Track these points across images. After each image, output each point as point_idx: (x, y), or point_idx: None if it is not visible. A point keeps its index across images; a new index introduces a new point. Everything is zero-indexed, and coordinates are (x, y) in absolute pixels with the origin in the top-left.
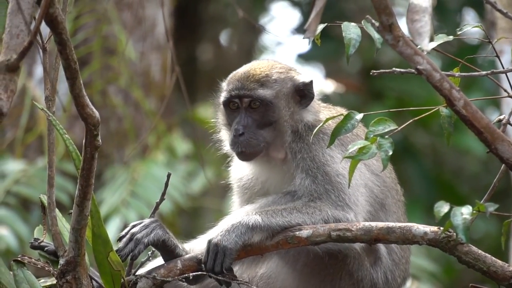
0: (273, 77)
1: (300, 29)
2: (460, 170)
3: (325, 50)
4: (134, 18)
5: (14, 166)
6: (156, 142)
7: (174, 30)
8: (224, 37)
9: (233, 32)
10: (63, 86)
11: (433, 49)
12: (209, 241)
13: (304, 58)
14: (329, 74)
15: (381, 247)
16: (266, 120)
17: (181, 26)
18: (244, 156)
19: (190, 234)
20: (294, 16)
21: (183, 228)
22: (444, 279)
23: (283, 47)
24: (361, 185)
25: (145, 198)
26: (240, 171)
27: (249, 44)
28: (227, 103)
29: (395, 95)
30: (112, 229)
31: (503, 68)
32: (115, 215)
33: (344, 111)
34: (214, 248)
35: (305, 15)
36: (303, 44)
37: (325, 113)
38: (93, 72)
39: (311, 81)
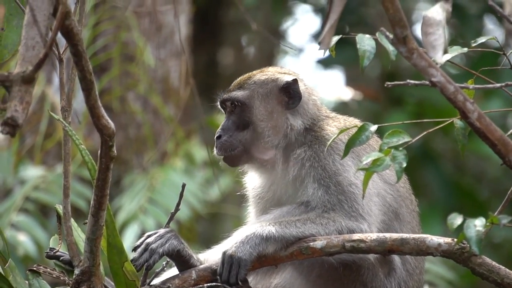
0: (253, 79)
1: (319, 36)
2: (481, 174)
3: (345, 56)
4: (153, 25)
5: (33, 172)
6: (174, 148)
7: (194, 35)
8: (245, 42)
9: (253, 37)
10: (80, 94)
11: (448, 61)
12: (224, 253)
13: (324, 64)
14: (349, 80)
15: (395, 257)
16: (243, 121)
17: (202, 31)
18: (226, 161)
19: (208, 240)
20: (315, 21)
21: (201, 234)
22: (461, 286)
23: (303, 52)
24: (374, 194)
25: (163, 205)
26: (254, 181)
27: (270, 48)
28: (222, 110)
29: (415, 101)
30: (130, 236)
31: None
32: (133, 222)
33: (353, 121)
34: (229, 260)
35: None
36: (320, 53)
37: (329, 122)
38: (112, 79)
39: (295, 80)
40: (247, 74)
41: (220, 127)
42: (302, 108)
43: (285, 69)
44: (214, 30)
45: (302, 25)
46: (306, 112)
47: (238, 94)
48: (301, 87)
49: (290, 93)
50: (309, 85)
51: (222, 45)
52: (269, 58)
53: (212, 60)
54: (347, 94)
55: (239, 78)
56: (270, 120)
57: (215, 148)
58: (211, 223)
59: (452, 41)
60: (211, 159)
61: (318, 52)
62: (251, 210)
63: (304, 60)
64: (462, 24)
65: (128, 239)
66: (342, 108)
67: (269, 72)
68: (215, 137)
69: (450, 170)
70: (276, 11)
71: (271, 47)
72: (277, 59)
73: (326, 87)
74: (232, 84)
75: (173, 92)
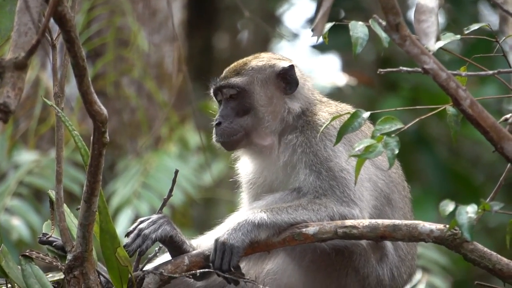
0: (250, 65)
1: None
2: (476, 159)
3: (340, 41)
4: (147, 10)
5: (27, 157)
6: (168, 133)
7: (190, 20)
8: (240, 27)
9: (249, 22)
10: (74, 79)
11: (441, 48)
12: (216, 240)
13: (319, 49)
14: (345, 65)
15: (388, 243)
16: (243, 107)
17: (197, 16)
18: (225, 146)
19: (202, 225)
20: (311, 5)
21: (195, 219)
22: (454, 271)
23: (298, 37)
24: (365, 180)
25: (157, 189)
26: (246, 166)
27: (265, 33)
28: (214, 97)
29: (410, 86)
30: (123, 221)
31: (510, 66)
32: (127, 207)
33: (345, 107)
34: (221, 247)
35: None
36: (313, 39)
37: (322, 108)
38: (107, 64)
39: (291, 66)
40: (241, 61)
41: (218, 114)
42: (299, 93)
43: (279, 55)
44: (210, 15)
45: (297, 10)
46: (302, 97)
47: (238, 80)
48: (297, 73)
49: (286, 79)
50: (303, 70)
51: (217, 30)
52: (264, 42)
53: (207, 44)
54: (342, 79)
55: (233, 65)
56: (270, 105)
57: (214, 135)
58: (206, 208)
59: (447, 26)
60: (203, 145)
61: (312, 38)
62: (243, 196)
63: (300, 45)
64: (457, 9)
65: (122, 224)
66: (337, 93)
67: (265, 58)
68: (215, 124)
69: (445, 155)
70: None
71: (267, 32)
72: (272, 44)
73: (322, 72)
74: (227, 71)
75: (168, 77)
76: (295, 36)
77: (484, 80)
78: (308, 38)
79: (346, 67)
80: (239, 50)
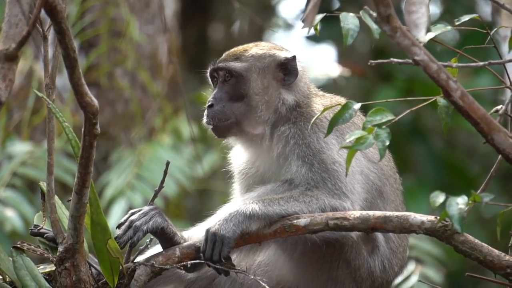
0: (249, 52)
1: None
2: (471, 150)
3: (335, 32)
4: (141, 1)
5: (20, 147)
6: (162, 124)
7: (185, 10)
8: (235, 17)
9: (244, 12)
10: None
11: (432, 39)
12: (207, 230)
13: (314, 39)
14: (341, 55)
15: (379, 235)
16: (237, 93)
17: (192, 6)
18: (215, 131)
19: (196, 216)
20: None
21: (189, 210)
22: (448, 262)
23: (293, 27)
24: (357, 172)
25: (150, 181)
26: (238, 157)
27: (260, 24)
28: (210, 79)
29: (404, 77)
30: (117, 212)
31: (501, 57)
32: (121, 198)
33: (339, 99)
34: (212, 237)
35: None
36: (304, 31)
37: (316, 100)
38: (100, 55)
39: (294, 57)
40: (241, 47)
41: (212, 96)
42: (296, 85)
43: (279, 45)
44: (204, 5)
45: (293, 0)
46: (298, 89)
47: (236, 65)
48: (298, 64)
49: (287, 69)
50: (303, 62)
51: (212, 20)
52: (259, 33)
53: (202, 35)
54: (335, 70)
55: (233, 49)
56: (265, 94)
57: (205, 117)
58: (199, 199)
59: (442, 16)
60: (194, 137)
61: (304, 29)
62: (235, 186)
63: (295, 36)
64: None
65: (115, 215)
66: (331, 85)
67: (266, 47)
68: (207, 105)
69: (439, 146)
70: None
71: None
72: (268, 35)
73: (317, 63)
74: (226, 54)
75: (161, 68)
76: (290, 26)
77: (478, 71)
78: (301, 29)
79: (342, 58)
80: (234, 41)
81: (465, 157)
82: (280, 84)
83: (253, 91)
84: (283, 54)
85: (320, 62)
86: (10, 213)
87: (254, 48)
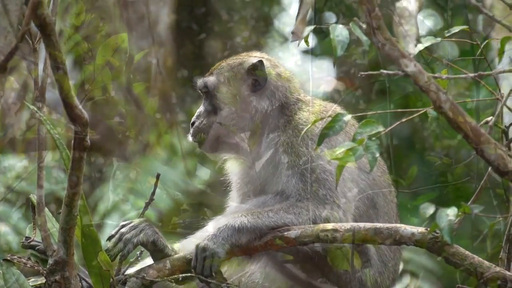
0: (222, 64)
1: (308, 23)
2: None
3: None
4: (136, 15)
5: (15, 162)
6: (157, 139)
7: (181, 24)
8: (232, 31)
9: (241, 26)
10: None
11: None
12: (197, 246)
13: (313, 53)
14: (337, 69)
15: (371, 248)
16: (213, 107)
17: (188, 20)
18: (201, 147)
19: (190, 229)
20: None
21: (183, 224)
22: (443, 276)
23: (289, 41)
24: (348, 180)
25: (145, 195)
26: (233, 168)
27: (258, 38)
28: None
29: (402, 93)
30: (111, 226)
31: (491, 69)
32: (115, 212)
33: (330, 106)
34: (202, 252)
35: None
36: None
37: (304, 108)
38: (95, 69)
39: (260, 61)
40: (222, 61)
41: (196, 114)
42: (270, 90)
43: (257, 53)
44: (201, 19)
45: (291, 13)
46: (274, 94)
47: (207, 79)
48: (270, 69)
49: (255, 75)
50: (282, 68)
51: (209, 34)
52: (255, 47)
53: (199, 49)
54: (330, 85)
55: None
56: (235, 104)
57: (189, 135)
58: (194, 212)
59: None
60: (184, 154)
61: (300, 42)
62: (232, 194)
63: (293, 49)
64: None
65: (110, 229)
66: (334, 98)
67: (240, 57)
68: (190, 123)
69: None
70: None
71: (259, 36)
72: (265, 48)
73: (315, 77)
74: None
75: (156, 82)
76: (287, 40)
77: (478, 83)
78: (292, 41)
79: (338, 71)
80: (232, 55)
81: (465, 172)
82: (251, 91)
83: (223, 103)
84: (250, 60)
85: (316, 76)
86: (3, 228)
87: (229, 60)
